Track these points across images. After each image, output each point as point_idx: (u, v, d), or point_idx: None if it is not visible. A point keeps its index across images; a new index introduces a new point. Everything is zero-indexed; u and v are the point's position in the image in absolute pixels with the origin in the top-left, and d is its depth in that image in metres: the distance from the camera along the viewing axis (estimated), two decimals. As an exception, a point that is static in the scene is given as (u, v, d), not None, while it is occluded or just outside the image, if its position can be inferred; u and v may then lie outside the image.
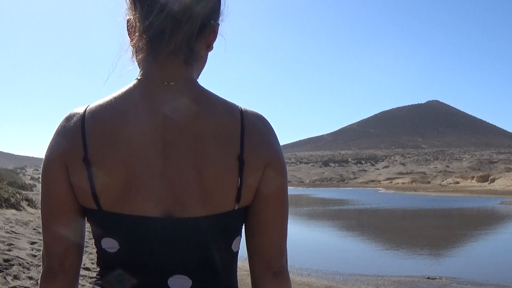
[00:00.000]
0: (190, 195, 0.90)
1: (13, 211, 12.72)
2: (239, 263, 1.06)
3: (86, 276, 5.67)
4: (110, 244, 0.93)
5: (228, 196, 0.92)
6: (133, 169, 0.89)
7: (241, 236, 0.99)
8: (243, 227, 1.00)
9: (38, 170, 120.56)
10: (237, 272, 1.03)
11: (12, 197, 14.01)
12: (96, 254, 1.00)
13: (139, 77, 0.95)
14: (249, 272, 1.01)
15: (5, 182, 26.22)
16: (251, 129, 0.94)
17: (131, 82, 0.96)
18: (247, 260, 1.01)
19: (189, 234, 0.91)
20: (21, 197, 15.30)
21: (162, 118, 0.91)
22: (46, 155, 0.94)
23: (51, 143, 0.95)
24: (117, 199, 0.90)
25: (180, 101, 0.92)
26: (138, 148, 0.90)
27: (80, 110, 0.95)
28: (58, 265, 0.94)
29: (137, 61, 0.96)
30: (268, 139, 0.96)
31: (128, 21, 0.96)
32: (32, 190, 33.95)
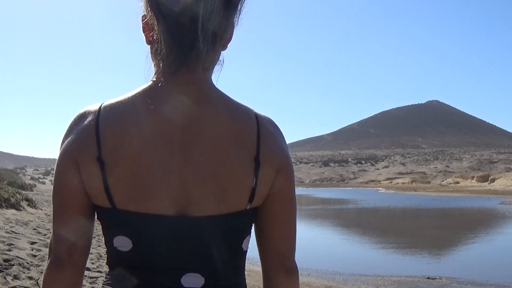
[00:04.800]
0: (205, 194, 0.92)
1: (13, 211, 12.71)
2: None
3: (86, 276, 5.67)
4: (123, 243, 0.94)
5: (242, 196, 0.94)
6: (147, 168, 0.91)
7: (250, 236, 1.02)
8: (254, 227, 1.03)
9: (38, 170, 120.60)
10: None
11: (12, 197, 13.99)
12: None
13: (155, 79, 0.96)
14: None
15: (5, 182, 26.22)
16: (265, 133, 0.98)
17: (146, 83, 0.96)
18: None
19: (202, 233, 0.93)
20: (21, 197, 15.28)
21: (180, 120, 0.92)
22: (59, 152, 0.96)
23: (63, 140, 0.96)
24: (132, 197, 0.91)
25: (198, 104, 0.94)
26: (153, 148, 0.91)
27: (93, 108, 0.96)
28: (67, 256, 0.94)
29: (153, 63, 0.98)
30: (280, 144, 1.00)
31: (143, 18, 0.97)
32: (32, 190, 33.97)
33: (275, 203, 0.99)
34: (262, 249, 1.02)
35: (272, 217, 1.00)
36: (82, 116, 0.96)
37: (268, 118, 1.02)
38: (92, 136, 0.92)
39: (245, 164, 0.93)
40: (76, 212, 0.94)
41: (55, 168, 0.97)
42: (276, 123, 1.03)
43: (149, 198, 0.91)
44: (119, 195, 0.91)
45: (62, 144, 0.96)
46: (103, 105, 0.95)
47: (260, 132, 0.97)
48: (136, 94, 0.95)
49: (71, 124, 0.97)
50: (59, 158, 0.95)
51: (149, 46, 0.98)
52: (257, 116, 0.99)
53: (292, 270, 1.01)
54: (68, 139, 0.95)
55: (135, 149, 0.91)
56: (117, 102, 0.95)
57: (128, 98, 0.95)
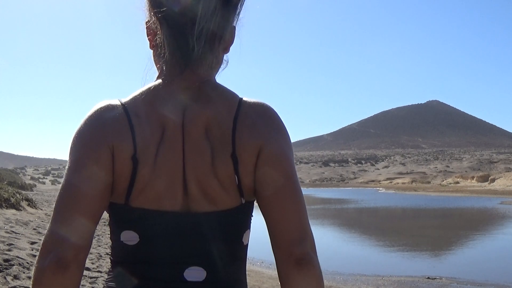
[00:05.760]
0: (200, 193, 0.94)
1: (13, 211, 12.70)
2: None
3: (86, 276, 5.66)
4: (130, 237, 0.96)
5: (231, 194, 0.95)
6: (161, 168, 0.93)
7: (250, 230, 1.02)
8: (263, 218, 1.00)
9: (38, 170, 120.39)
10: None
11: (12, 197, 13.97)
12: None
13: (162, 77, 0.97)
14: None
15: (5, 182, 26.20)
16: (243, 122, 0.95)
17: (155, 81, 0.98)
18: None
19: (203, 228, 0.95)
20: (21, 197, 15.25)
21: (182, 119, 0.95)
22: (85, 139, 0.93)
23: (89, 128, 0.93)
24: (147, 196, 0.93)
25: (199, 105, 0.96)
26: (164, 148, 0.94)
27: (115, 102, 0.96)
28: (73, 255, 0.87)
29: (157, 66, 1.00)
30: (258, 130, 0.95)
31: (146, 23, 0.99)
32: (32, 190, 33.96)
33: (270, 190, 0.94)
34: (271, 240, 0.96)
35: (271, 204, 0.94)
36: (107, 109, 0.95)
37: (255, 103, 0.98)
38: (127, 133, 0.92)
39: (224, 163, 0.93)
40: (97, 205, 0.91)
41: (77, 156, 0.91)
42: (268, 106, 0.98)
43: (162, 197, 0.94)
44: (137, 194, 0.93)
45: (83, 129, 0.93)
46: (125, 101, 0.96)
47: (237, 124, 0.94)
48: (146, 95, 0.96)
49: (93, 114, 0.94)
50: (87, 146, 0.92)
51: (152, 50, 1.00)
52: (239, 106, 0.96)
53: (304, 261, 0.89)
54: (96, 126, 0.93)
55: (156, 149, 0.93)
56: (140, 101, 0.96)
57: (143, 98, 0.96)
